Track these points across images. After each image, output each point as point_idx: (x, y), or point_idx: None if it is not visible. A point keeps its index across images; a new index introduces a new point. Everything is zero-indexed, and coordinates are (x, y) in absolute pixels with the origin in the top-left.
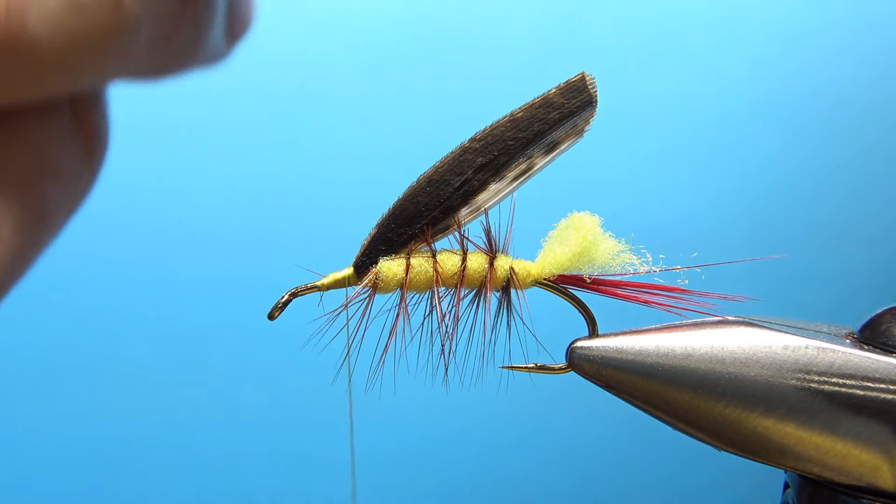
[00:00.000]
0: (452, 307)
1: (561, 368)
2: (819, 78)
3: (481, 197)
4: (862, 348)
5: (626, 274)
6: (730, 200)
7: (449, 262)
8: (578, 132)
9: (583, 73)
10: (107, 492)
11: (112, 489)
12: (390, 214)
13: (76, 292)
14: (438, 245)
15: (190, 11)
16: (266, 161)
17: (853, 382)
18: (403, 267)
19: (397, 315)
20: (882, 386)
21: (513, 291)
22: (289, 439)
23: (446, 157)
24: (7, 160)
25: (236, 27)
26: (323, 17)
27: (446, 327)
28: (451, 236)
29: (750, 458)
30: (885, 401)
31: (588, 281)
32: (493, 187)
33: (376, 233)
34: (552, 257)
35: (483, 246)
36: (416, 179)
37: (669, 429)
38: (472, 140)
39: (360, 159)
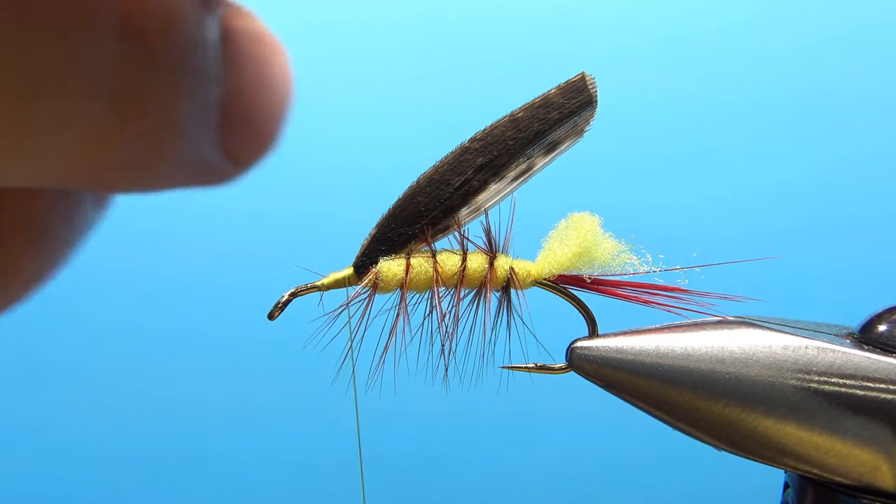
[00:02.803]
0: (452, 307)
1: (561, 368)
2: (819, 78)
3: (481, 197)
4: (862, 348)
5: (626, 274)
6: (730, 200)
7: (449, 262)
8: (578, 132)
9: (583, 72)
10: (107, 492)
11: (112, 489)
12: (390, 214)
13: (75, 293)
14: (438, 245)
15: (138, 116)
16: (265, 160)
17: (853, 382)
18: (403, 267)
19: (397, 315)
20: (882, 386)
21: (513, 291)
22: (289, 440)
23: (446, 157)
24: None
25: (244, 142)
26: (325, 18)
27: (446, 327)
28: (451, 236)
29: (750, 458)
30: (885, 401)
31: (588, 281)
32: (493, 187)
33: (376, 233)
34: (552, 257)
35: (483, 246)
36: (416, 179)
37: (669, 429)
38: (472, 140)
39: (360, 159)
